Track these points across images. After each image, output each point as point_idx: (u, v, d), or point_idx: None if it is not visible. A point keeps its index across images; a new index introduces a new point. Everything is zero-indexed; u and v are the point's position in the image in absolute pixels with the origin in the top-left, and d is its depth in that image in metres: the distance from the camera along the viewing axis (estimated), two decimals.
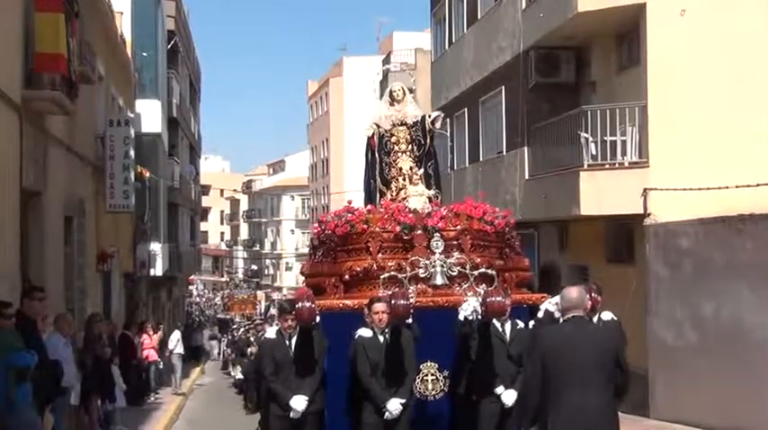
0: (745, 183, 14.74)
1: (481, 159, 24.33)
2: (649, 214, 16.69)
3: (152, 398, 23.40)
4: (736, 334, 14.44)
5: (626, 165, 17.23)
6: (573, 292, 7.33)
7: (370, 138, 11.86)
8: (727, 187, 15.14)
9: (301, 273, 12.61)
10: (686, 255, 15.88)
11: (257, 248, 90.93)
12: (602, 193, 17.02)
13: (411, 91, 12.44)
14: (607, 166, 17.31)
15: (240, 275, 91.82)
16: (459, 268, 10.27)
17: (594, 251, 18.84)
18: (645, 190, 16.68)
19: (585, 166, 17.28)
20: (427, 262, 10.23)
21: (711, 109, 16.48)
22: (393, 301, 9.28)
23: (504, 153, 22.38)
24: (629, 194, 16.74)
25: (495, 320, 9.55)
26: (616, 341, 7.42)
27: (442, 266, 10.22)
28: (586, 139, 17.29)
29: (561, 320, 7.46)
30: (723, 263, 14.92)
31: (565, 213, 18.33)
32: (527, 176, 20.62)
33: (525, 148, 20.77)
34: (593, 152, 17.35)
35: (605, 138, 17.22)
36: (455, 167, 26.61)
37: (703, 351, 15.25)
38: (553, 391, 6.97)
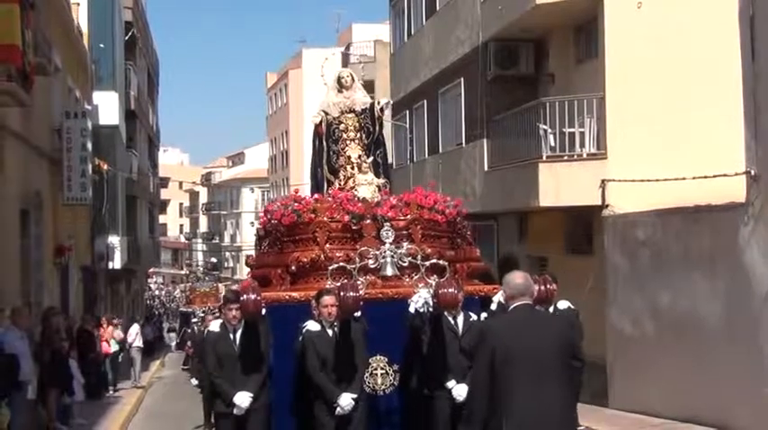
0: (701, 175, 14.85)
1: (440, 151, 24.36)
2: (607, 205, 16.80)
3: (111, 392, 23.28)
4: (693, 324, 14.56)
5: (584, 156, 17.32)
6: (517, 278, 6.70)
7: (317, 126, 11.59)
8: (683, 178, 15.25)
9: (247, 264, 12.35)
10: (644, 246, 15.99)
11: (217, 241, 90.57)
12: (560, 185, 17.11)
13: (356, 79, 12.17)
14: (565, 158, 17.40)
15: (200, 268, 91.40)
16: (409, 259, 9.99)
17: (553, 242, 18.94)
18: (603, 181, 16.77)
19: (544, 158, 17.36)
20: (377, 252, 9.94)
21: (668, 101, 16.61)
22: (342, 294, 8.93)
23: (464, 145, 22.43)
24: (588, 186, 16.83)
25: (446, 312, 9.30)
26: (570, 329, 6.87)
27: (393, 257, 9.95)
28: (545, 131, 17.37)
29: (509, 310, 6.81)
30: (680, 253, 15.04)
31: (524, 205, 18.40)
32: (486, 168, 20.68)
33: (484, 140, 20.83)
34: (552, 144, 17.44)
35: (564, 130, 17.31)
36: (414, 159, 26.63)
37: (660, 341, 15.38)
38: (506, 388, 6.31)
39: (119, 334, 25.76)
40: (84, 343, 20.45)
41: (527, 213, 19.86)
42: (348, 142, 11.45)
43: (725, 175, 14.13)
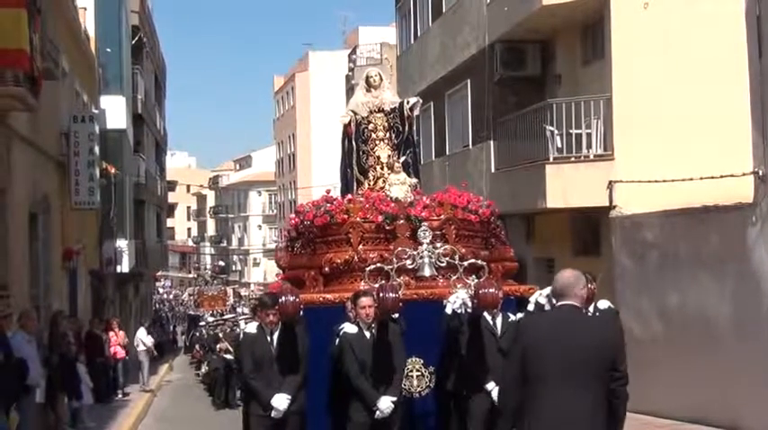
0: (709, 175, 14.84)
1: (447, 153, 24.36)
2: (615, 206, 16.77)
3: (119, 396, 23.30)
4: (701, 324, 14.54)
5: (591, 157, 17.29)
6: (563, 277, 6.41)
7: (346, 126, 11.46)
8: (691, 179, 15.24)
9: (278, 266, 12.21)
10: (652, 247, 15.97)
11: (224, 244, 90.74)
12: (567, 186, 17.08)
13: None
14: (573, 159, 17.38)
15: (208, 271, 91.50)
16: (447, 259, 9.87)
17: (561, 244, 18.91)
18: (610, 182, 16.74)
19: (551, 159, 17.34)
20: (414, 252, 9.81)
21: (675, 101, 16.56)
22: (381, 295, 8.76)
23: (471, 146, 22.42)
24: (595, 187, 16.80)
25: (486, 313, 9.16)
26: (613, 334, 6.42)
27: (430, 257, 9.83)
28: (552, 132, 17.35)
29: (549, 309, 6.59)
30: (688, 254, 15.02)
31: (531, 206, 18.38)
32: (493, 170, 20.66)
33: (491, 142, 20.81)
34: (559, 145, 17.41)
35: (570, 131, 17.28)
36: (421, 161, 26.56)
37: (669, 341, 15.36)
38: (534, 390, 6.11)
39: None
40: (93, 346, 20.50)
41: (534, 215, 19.84)
42: (377, 142, 11.34)
43: (732, 176, 14.12)
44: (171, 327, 52.14)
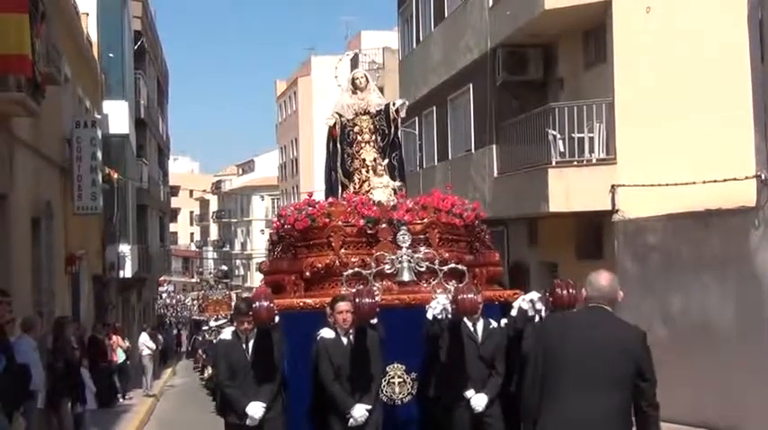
0: (711, 179, 14.83)
1: (450, 157, 24.37)
2: (618, 210, 16.77)
3: (122, 400, 23.29)
4: (705, 328, 14.53)
5: (594, 161, 17.30)
6: (601, 279, 6.19)
7: (331, 128, 11.23)
8: (694, 183, 15.24)
9: (259, 270, 12.07)
10: (654, 251, 15.96)
11: (227, 249, 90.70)
12: (570, 190, 17.08)
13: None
14: (575, 163, 17.38)
15: (211, 276, 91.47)
16: (427, 263, 9.67)
17: (564, 248, 18.89)
18: (613, 186, 16.75)
19: (554, 164, 17.34)
20: (393, 257, 9.62)
21: (677, 105, 16.57)
22: (357, 300, 8.60)
23: (473, 151, 22.42)
24: (598, 191, 16.80)
25: (466, 319, 8.99)
26: (637, 342, 6.21)
27: (410, 262, 9.61)
28: (554, 137, 17.36)
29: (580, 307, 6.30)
30: (691, 258, 15.01)
31: (534, 210, 18.38)
32: (496, 174, 20.66)
33: (494, 146, 20.81)
34: (561, 149, 17.42)
35: (573, 136, 17.29)
36: (424, 166, 26.64)
37: (671, 345, 15.32)
38: (549, 391, 5.93)
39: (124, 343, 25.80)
40: (96, 351, 20.50)
41: (537, 219, 19.83)
42: (363, 144, 11.11)
43: (735, 179, 14.12)
44: (175, 331, 52.22)
